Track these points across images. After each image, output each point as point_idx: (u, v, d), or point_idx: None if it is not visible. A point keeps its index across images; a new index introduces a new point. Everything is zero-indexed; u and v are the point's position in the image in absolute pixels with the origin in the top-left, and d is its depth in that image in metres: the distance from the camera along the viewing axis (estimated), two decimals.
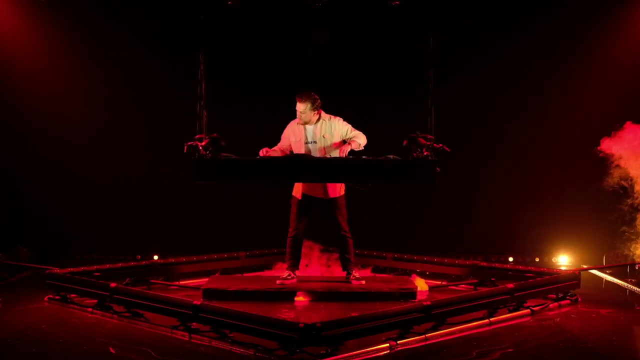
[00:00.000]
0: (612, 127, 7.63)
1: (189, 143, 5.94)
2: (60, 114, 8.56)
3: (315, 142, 6.49)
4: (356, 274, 6.66)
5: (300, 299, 6.17)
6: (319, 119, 6.49)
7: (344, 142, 6.42)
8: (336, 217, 6.59)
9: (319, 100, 6.44)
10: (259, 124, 8.29)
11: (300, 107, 6.42)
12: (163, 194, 8.67)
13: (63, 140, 8.65)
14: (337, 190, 6.57)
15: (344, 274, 6.70)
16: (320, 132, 6.48)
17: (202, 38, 6.61)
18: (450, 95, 7.91)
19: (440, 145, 5.94)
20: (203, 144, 5.92)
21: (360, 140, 6.39)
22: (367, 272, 7.38)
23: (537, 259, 8.65)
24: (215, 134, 5.99)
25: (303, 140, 6.50)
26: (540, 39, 8.37)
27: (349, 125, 6.48)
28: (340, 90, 7.65)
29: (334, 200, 6.56)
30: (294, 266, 6.67)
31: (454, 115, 8.07)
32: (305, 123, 6.47)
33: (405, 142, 5.93)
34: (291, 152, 6.55)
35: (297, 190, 6.61)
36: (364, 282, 6.58)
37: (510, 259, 8.62)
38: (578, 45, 8.31)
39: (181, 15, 8.02)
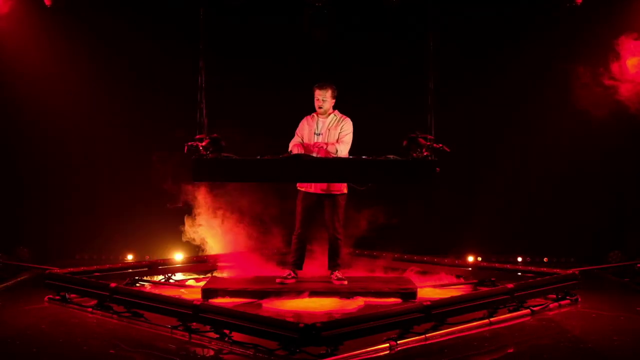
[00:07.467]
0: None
1: (189, 143, 5.93)
2: (61, 116, 8.52)
3: (321, 134, 6.58)
4: (339, 274, 6.65)
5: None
6: (330, 113, 6.60)
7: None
8: (332, 218, 6.59)
9: (336, 90, 6.59)
10: (259, 123, 8.28)
11: (322, 94, 6.53)
12: (163, 194, 8.65)
13: (63, 141, 8.63)
14: (338, 187, 6.58)
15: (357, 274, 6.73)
16: (327, 125, 6.59)
17: (202, 36, 6.58)
18: (451, 95, 7.91)
19: (440, 145, 5.94)
20: (203, 144, 5.91)
21: (340, 148, 6.46)
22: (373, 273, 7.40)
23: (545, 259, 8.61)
24: (215, 134, 5.99)
25: (314, 131, 6.61)
26: (541, 38, 8.36)
27: (350, 132, 6.55)
28: (340, 89, 7.63)
29: (335, 198, 6.57)
30: (296, 266, 6.68)
31: (454, 114, 8.05)
32: (324, 112, 6.57)
33: (405, 142, 5.94)
34: (290, 152, 6.56)
35: (302, 184, 6.66)
36: (345, 282, 6.58)
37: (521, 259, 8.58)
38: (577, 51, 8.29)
39: (183, 15, 8.02)
